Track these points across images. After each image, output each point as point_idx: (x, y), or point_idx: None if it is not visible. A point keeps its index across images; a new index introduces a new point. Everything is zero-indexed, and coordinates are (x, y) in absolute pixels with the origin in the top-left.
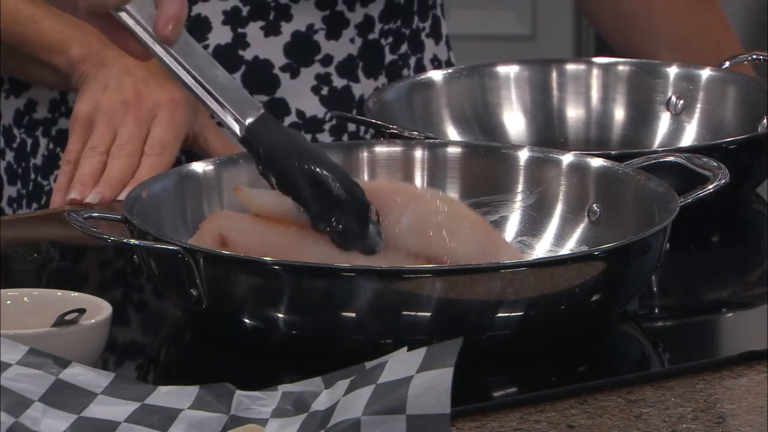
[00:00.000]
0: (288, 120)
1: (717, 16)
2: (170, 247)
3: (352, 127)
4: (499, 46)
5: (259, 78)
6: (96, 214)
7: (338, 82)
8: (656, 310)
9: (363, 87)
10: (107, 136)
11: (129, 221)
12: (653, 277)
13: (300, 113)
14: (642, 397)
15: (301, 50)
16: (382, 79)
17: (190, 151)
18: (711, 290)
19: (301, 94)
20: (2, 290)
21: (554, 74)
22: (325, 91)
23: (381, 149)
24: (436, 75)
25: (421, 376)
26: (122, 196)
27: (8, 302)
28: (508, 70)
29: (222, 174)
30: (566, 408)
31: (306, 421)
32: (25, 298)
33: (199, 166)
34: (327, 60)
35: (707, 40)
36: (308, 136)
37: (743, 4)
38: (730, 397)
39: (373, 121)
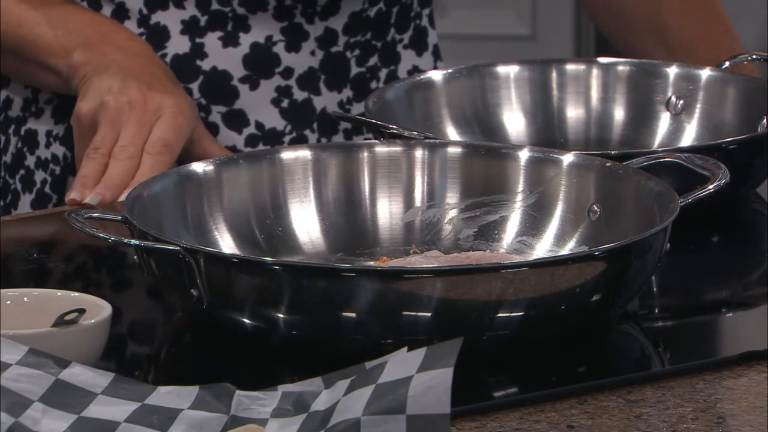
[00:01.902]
0: (246, 131)
1: (717, 19)
2: (170, 247)
3: (312, 140)
4: (499, 46)
5: (218, 89)
6: (96, 215)
7: (299, 95)
8: (656, 310)
9: (325, 99)
10: (110, 138)
11: (129, 221)
12: (653, 277)
13: (259, 125)
14: (642, 397)
15: (261, 62)
16: (347, 92)
17: (187, 158)
18: (711, 290)
19: (260, 106)
20: (2, 290)
21: (554, 74)
22: (285, 103)
23: (381, 149)
24: (436, 75)
25: (421, 376)
26: (123, 197)
27: (8, 302)
28: (508, 70)
29: (222, 174)
30: (566, 408)
31: (306, 421)
32: (25, 298)
33: (199, 166)
34: (287, 72)
35: (707, 43)
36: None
37: (743, 4)
38: (730, 397)
39: (373, 121)
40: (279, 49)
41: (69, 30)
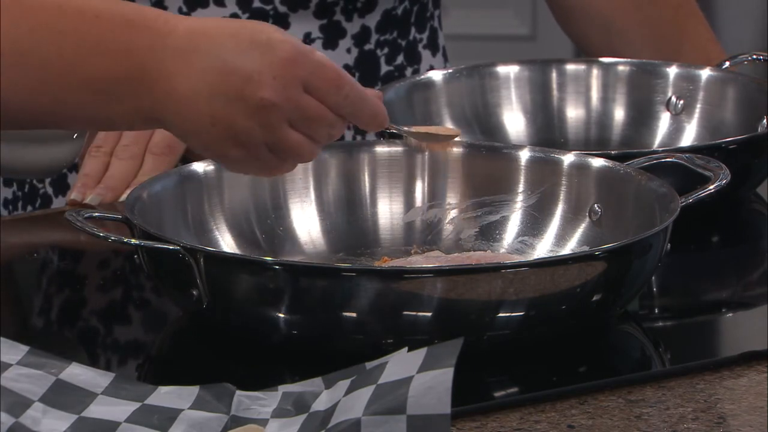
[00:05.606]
0: None
1: (704, 28)
2: (171, 247)
3: (348, 136)
4: (499, 46)
5: None
6: (97, 214)
7: None
8: (656, 310)
9: None
10: (113, 136)
11: (130, 221)
12: (654, 277)
13: None
14: (642, 397)
15: None
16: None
17: (188, 155)
18: (711, 290)
19: None
20: None
21: (554, 74)
22: None
23: (381, 149)
24: (436, 75)
25: (422, 377)
26: (124, 197)
27: None
28: (508, 70)
29: (223, 174)
30: (566, 408)
31: (306, 421)
32: None
33: (199, 166)
34: None
35: (697, 52)
36: None
37: (743, 4)
38: (730, 397)
39: None
40: (317, 46)
41: None
